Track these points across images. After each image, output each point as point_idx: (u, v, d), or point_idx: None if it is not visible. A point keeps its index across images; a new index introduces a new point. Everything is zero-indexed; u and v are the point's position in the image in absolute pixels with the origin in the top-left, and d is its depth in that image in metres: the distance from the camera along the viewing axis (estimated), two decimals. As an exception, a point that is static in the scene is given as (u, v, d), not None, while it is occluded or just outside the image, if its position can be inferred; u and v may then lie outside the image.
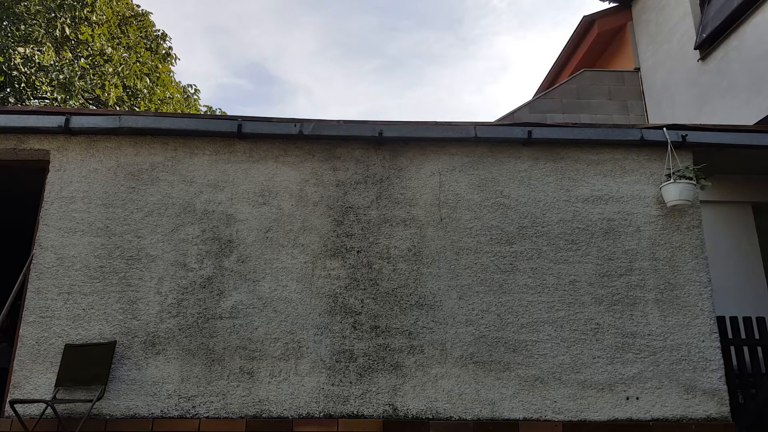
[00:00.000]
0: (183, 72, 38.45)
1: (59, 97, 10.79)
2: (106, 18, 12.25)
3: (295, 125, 4.28)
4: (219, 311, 4.01)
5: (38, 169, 4.37)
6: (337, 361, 3.95)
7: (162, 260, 4.09)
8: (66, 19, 11.29)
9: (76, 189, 4.22)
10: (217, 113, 15.03)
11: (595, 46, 9.37)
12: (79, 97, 11.27)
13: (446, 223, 4.26)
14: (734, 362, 4.52)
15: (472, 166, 4.41)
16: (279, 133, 4.32)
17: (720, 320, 4.42)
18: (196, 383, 3.86)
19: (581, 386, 3.95)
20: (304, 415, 3.83)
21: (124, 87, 12.41)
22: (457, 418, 3.87)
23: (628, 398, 3.94)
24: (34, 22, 10.91)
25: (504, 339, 4.03)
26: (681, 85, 7.62)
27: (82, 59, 11.97)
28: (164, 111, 13.13)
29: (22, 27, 10.68)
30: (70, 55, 11.56)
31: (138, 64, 12.93)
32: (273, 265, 4.11)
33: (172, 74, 14.15)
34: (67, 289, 4.01)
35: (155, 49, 13.73)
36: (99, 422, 3.75)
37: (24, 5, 11.01)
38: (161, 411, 3.81)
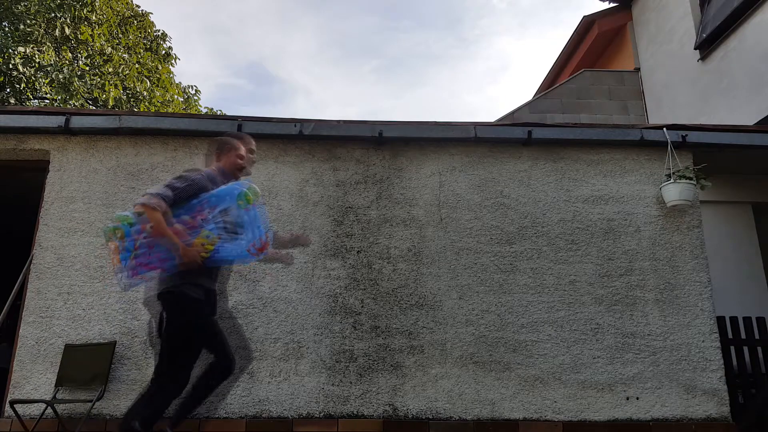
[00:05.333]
0: (183, 72, 38.50)
1: (59, 97, 10.79)
2: (106, 18, 12.24)
3: (295, 125, 4.28)
4: (219, 311, 3.99)
5: (38, 169, 4.37)
6: (337, 361, 3.94)
7: (162, 260, 4.09)
8: (66, 19, 11.28)
9: (76, 189, 4.22)
10: (218, 114, 15.00)
11: (595, 46, 9.37)
12: (79, 97, 11.27)
13: (446, 223, 4.26)
14: (734, 362, 4.51)
15: (472, 166, 4.41)
16: (279, 133, 4.32)
17: (720, 320, 4.41)
18: (196, 383, 3.86)
19: (581, 386, 3.95)
20: (304, 415, 3.83)
21: (124, 88, 12.40)
22: (457, 418, 3.87)
23: (628, 398, 3.94)
24: (34, 21, 10.91)
25: (504, 339, 4.03)
26: (681, 85, 7.62)
27: (82, 60, 11.96)
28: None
29: (22, 27, 10.68)
30: (70, 55, 11.55)
31: (138, 65, 12.92)
32: (273, 265, 4.11)
33: (172, 75, 14.14)
34: (67, 289, 4.01)
35: (155, 49, 13.72)
36: (99, 422, 3.74)
37: (24, 5, 11.01)
38: (161, 411, 3.80)
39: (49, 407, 3.55)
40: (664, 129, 4.41)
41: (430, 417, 3.87)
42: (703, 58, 7.18)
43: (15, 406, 3.53)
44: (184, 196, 2.88)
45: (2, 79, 10.33)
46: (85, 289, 4.02)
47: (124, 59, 12.55)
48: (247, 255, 2.89)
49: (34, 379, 3.84)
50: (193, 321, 2.94)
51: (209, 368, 3.05)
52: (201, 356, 3.01)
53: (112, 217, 2.96)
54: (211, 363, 3.05)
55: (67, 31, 11.28)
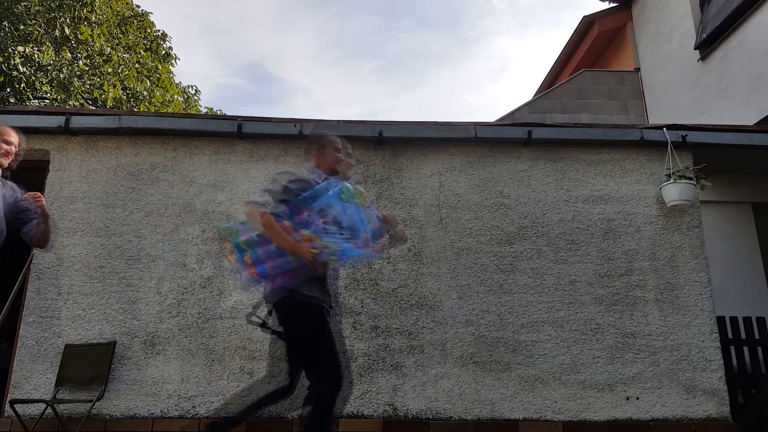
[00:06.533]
0: (182, 72, 38.51)
1: (59, 97, 10.78)
2: (106, 18, 12.24)
3: (295, 125, 4.28)
4: (219, 311, 4.01)
5: (38, 169, 4.37)
6: (337, 361, 3.94)
7: (162, 260, 4.09)
8: (66, 19, 11.27)
9: (76, 189, 4.22)
10: (218, 114, 14.97)
11: (595, 46, 9.37)
12: (79, 97, 11.26)
13: (446, 223, 4.26)
14: (734, 362, 4.51)
15: (472, 166, 4.41)
16: (279, 133, 4.32)
17: (720, 320, 4.41)
18: (196, 383, 3.86)
19: (581, 386, 3.95)
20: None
21: (124, 88, 12.39)
22: (457, 418, 3.87)
23: (628, 398, 3.94)
24: (34, 21, 10.90)
25: (504, 339, 4.03)
26: (681, 85, 7.63)
27: (82, 60, 11.96)
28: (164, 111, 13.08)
29: (22, 27, 10.67)
30: (69, 55, 11.55)
31: (138, 65, 12.91)
32: (273, 265, 4.11)
33: (171, 75, 14.13)
34: (67, 289, 4.01)
35: (155, 49, 13.72)
36: (99, 422, 3.75)
37: (24, 5, 11.00)
38: (161, 411, 3.81)
39: (49, 407, 3.55)
40: (664, 129, 4.41)
41: (430, 417, 3.87)
42: (703, 58, 7.18)
43: (15, 405, 3.53)
44: (289, 195, 2.81)
45: (2, 79, 10.32)
46: (85, 289, 4.02)
47: (123, 59, 12.54)
48: (355, 249, 2.80)
49: (34, 379, 3.84)
50: (311, 324, 2.80)
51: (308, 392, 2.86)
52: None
53: (222, 226, 2.98)
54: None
55: (67, 31, 11.27)
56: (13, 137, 2.97)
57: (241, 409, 2.96)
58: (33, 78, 10.53)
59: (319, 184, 2.89)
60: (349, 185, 2.87)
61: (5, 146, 2.93)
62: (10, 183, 3.04)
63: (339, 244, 2.75)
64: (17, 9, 10.94)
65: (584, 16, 9.00)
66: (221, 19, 41.51)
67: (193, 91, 15.02)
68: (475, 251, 4.20)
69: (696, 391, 3.96)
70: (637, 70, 8.66)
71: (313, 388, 2.79)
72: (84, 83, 11.39)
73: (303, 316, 2.80)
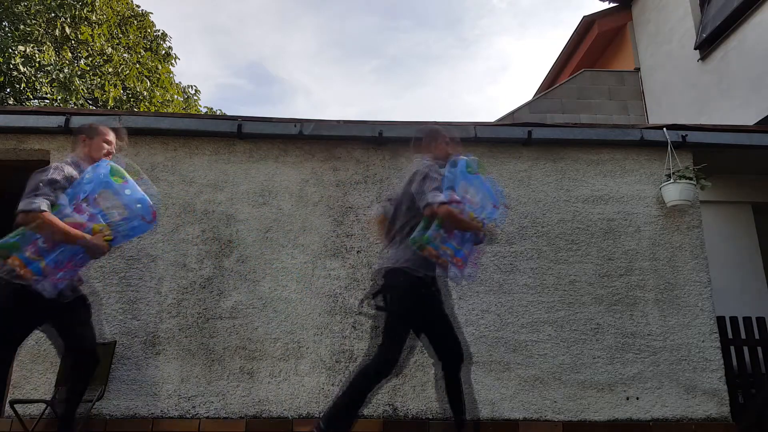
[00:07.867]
0: (182, 72, 38.49)
1: (59, 97, 10.78)
2: (106, 18, 12.24)
3: (295, 125, 4.28)
4: (219, 311, 4.01)
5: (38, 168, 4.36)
6: (337, 361, 3.94)
7: (162, 260, 4.09)
8: (66, 18, 11.28)
9: (76, 189, 4.21)
10: (218, 114, 14.96)
11: (595, 46, 9.37)
12: (79, 96, 11.26)
13: (446, 223, 4.26)
14: (734, 362, 4.51)
15: (472, 166, 4.40)
16: (279, 133, 4.32)
17: (720, 320, 4.41)
18: (196, 383, 3.86)
19: (581, 386, 3.95)
20: (304, 415, 3.83)
21: (124, 88, 12.39)
22: (457, 418, 3.86)
23: (628, 398, 3.94)
24: (34, 21, 10.90)
25: (504, 339, 4.03)
26: (681, 85, 7.62)
27: (82, 60, 11.96)
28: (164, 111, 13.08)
29: (22, 27, 10.67)
30: (70, 54, 11.55)
31: (138, 65, 12.91)
32: (273, 265, 4.11)
33: (172, 75, 14.13)
34: (67, 289, 4.00)
35: (155, 49, 13.72)
36: (99, 422, 3.75)
37: (24, 5, 11.01)
38: (161, 411, 3.81)
39: (49, 407, 3.55)
40: (664, 129, 4.41)
41: (430, 417, 3.87)
42: (703, 58, 7.18)
43: (15, 406, 3.53)
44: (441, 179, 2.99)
45: (2, 79, 10.32)
46: (85, 288, 4.01)
47: (124, 59, 12.54)
48: (495, 212, 3.06)
49: (34, 379, 3.84)
50: (412, 301, 2.97)
51: (444, 358, 3.18)
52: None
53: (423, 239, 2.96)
54: (442, 354, 3.17)
55: (68, 30, 11.27)
56: (111, 136, 3.11)
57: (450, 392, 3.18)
58: (33, 78, 10.53)
59: (441, 171, 3.03)
60: (466, 159, 3.04)
61: (107, 146, 3.07)
62: None
63: (485, 212, 3.00)
64: (17, 9, 10.94)
65: (584, 16, 9.00)
66: (221, 19, 41.51)
67: (193, 91, 15.03)
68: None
69: (696, 391, 3.96)
70: (637, 70, 8.65)
71: (377, 358, 2.92)
72: (85, 82, 11.39)
73: (421, 298, 2.99)
